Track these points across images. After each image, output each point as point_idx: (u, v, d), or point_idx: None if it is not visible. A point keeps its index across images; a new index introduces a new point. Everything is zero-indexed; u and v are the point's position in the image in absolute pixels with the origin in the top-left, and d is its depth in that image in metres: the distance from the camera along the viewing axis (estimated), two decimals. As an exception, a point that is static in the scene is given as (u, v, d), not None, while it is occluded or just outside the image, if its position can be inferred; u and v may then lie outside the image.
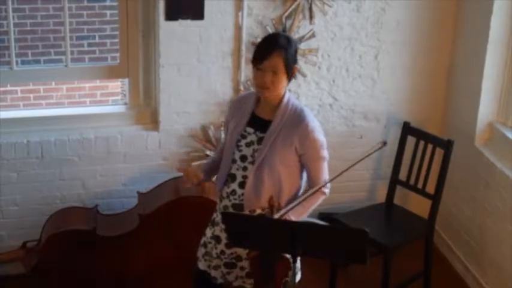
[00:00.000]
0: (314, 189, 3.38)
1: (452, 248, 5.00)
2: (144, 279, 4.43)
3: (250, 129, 3.51)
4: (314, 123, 3.45)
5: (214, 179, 4.62)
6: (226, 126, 3.67)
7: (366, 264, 3.09)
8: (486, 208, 4.60)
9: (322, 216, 4.73)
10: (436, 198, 4.47)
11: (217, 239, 3.59)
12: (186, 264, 4.01)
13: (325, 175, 3.49)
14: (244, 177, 3.48)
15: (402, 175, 4.73)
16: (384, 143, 3.30)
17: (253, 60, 3.41)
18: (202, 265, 3.68)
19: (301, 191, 3.54)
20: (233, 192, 3.51)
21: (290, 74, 3.40)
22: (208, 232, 3.66)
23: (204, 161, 3.86)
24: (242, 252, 3.53)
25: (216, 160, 3.69)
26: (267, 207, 3.34)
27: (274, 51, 3.34)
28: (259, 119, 3.50)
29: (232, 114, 3.60)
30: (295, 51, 3.43)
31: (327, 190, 3.50)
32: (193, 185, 3.58)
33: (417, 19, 4.81)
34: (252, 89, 3.92)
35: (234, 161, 3.51)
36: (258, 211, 3.48)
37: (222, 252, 3.57)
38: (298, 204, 3.32)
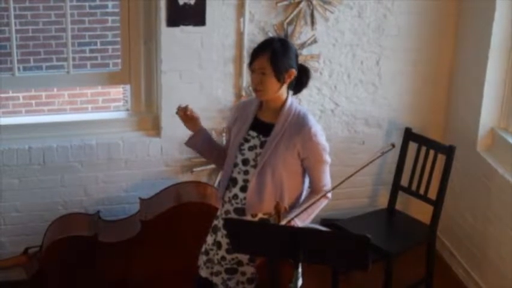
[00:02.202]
0: (320, 195, 3.40)
1: (454, 253, 5.00)
2: (146, 286, 4.43)
3: (253, 133, 3.51)
4: (316, 127, 3.46)
5: (216, 184, 4.65)
6: (228, 132, 3.67)
7: (368, 271, 3.09)
8: (488, 214, 4.59)
9: (324, 222, 4.73)
10: (437, 204, 4.47)
11: (218, 245, 3.59)
12: (188, 270, 4.00)
13: (327, 178, 3.51)
14: (246, 181, 3.48)
15: (404, 181, 4.73)
16: (393, 145, 3.29)
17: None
18: (204, 273, 3.68)
19: (303, 195, 3.54)
20: (235, 196, 3.51)
21: (281, 77, 3.39)
22: (210, 239, 3.66)
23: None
24: (243, 257, 3.54)
25: (217, 146, 3.72)
26: (273, 213, 3.34)
27: (261, 53, 3.37)
28: (262, 122, 3.51)
29: (235, 119, 3.60)
30: (290, 56, 3.41)
31: (329, 194, 3.50)
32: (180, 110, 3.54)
33: (419, 25, 4.81)
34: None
35: (235, 165, 3.51)
36: (260, 215, 3.48)
37: (223, 258, 3.57)
38: (304, 210, 3.34)
